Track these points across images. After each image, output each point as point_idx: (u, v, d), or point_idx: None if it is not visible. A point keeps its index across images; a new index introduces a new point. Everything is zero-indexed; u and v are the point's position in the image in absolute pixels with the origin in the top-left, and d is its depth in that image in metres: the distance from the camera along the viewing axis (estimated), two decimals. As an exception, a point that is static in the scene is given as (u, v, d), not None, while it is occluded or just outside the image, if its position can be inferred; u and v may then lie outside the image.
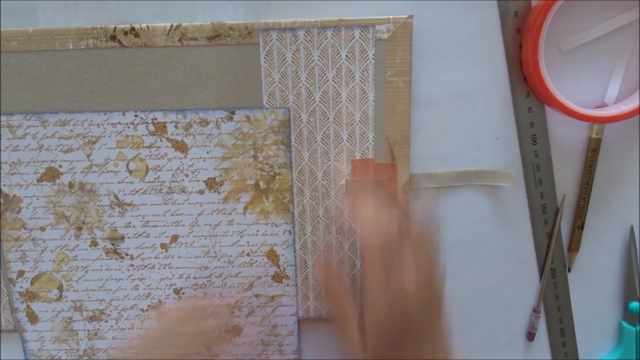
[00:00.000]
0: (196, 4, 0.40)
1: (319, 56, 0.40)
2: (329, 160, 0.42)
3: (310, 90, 0.41)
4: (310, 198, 0.43)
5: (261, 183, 0.42)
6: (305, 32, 0.40)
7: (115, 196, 0.42)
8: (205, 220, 0.43)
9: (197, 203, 0.43)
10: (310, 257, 0.44)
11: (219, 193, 0.42)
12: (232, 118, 0.41)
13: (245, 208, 0.43)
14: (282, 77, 0.41)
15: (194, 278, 0.44)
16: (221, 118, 0.41)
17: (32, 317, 0.45)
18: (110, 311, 0.45)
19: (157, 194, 0.42)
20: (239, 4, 0.40)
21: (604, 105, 0.42)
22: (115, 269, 0.44)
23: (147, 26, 0.40)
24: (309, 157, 0.42)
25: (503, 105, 0.42)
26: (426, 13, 0.40)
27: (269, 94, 0.41)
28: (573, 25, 0.41)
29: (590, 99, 0.42)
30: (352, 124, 0.42)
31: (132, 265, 0.44)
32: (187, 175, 0.42)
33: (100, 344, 0.46)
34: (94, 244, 0.43)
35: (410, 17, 0.39)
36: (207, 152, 0.42)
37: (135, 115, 0.41)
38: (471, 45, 0.41)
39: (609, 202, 0.45)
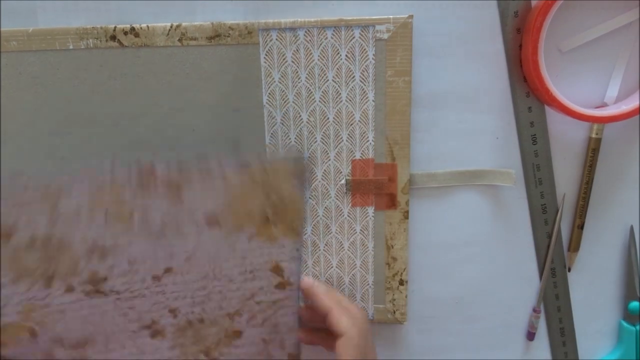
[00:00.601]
0: (196, 4, 0.40)
1: (319, 56, 0.40)
2: (329, 160, 0.42)
3: (310, 90, 0.41)
4: (310, 198, 0.43)
5: (270, 215, 0.38)
6: (305, 32, 0.40)
7: (94, 242, 0.37)
8: (204, 252, 0.39)
9: (195, 239, 0.39)
10: (310, 256, 0.44)
11: (220, 228, 0.38)
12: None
13: (250, 237, 0.39)
14: (282, 77, 0.41)
15: (191, 297, 0.40)
16: (225, 163, 0.37)
17: None
18: (97, 337, 0.40)
19: (146, 236, 0.38)
20: (239, 4, 0.40)
21: (604, 105, 0.42)
22: (99, 305, 0.39)
23: (147, 26, 0.40)
24: (309, 157, 0.42)
25: (503, 105, 0.42)
26: (426, 13, 0.40)
27: (269, 93, 0.41)
28: (573, 25, 0.41)
29: (590, 99, 0.42)
30: (352, 124, 0.42)
31: (119, 298, 0.39)
32: (182, 215, 0.38)
33: None
34: (70, 289, 0.38)
35: (410, 17, 0.39)
36: (207, 194, 0.38)
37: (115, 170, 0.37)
38: (471, 45, 0.41)
39: (609, 202, 0.45)
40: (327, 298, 0.39)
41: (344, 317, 0.38)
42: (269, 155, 0.39)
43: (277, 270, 0.40)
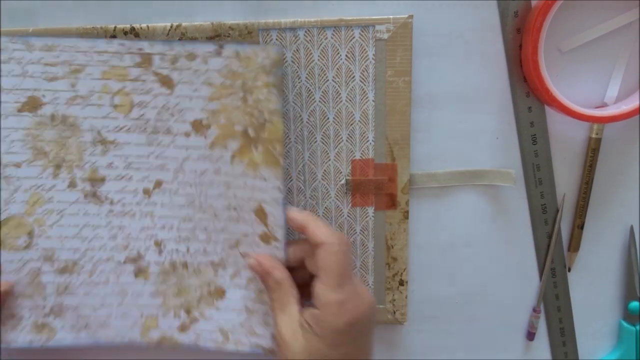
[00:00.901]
0: (196, 4, 0.40)
1: (319, 56, 0.40)
2: (329, 160, 0.42)
3: (310, 90, 0.41)
4: (310, 198, 0.43)
5: (250, 130, 0.39)
6: (305, 32, 0.40)
7: (99, 132, 0.40)
8: (191, 167, 0.40)
9: (183, 147, 0.40)
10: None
11: (205, 137, 0.39)
12: (220, 53, 0.38)
13: (233, 157, 0.39)
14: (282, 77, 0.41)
15: (177, 230, 0.41)
16: (209, 52, 0.38)
17: None
18: (85, 262, 0.41)
19: (141, 132, 0.40)
20: (239, 4, 0.40)
21: (604, 105, 0.42)
22: (93, 214, 0.41)
23: (147, 26, 0.40)
24: (309, 157, 0.42)
25: (503, 105, 0.42)
26: (426, 13, 0.40)
27: (269, 94, 0.41)
28: (573, 25, 0.41)
29: (590, 99, 0.42)
30: (352, 124, 0.42)
31: (111, 211, 0.41)
32: (172, 115, 0.39)
33: (69, 300, 0.41)
34: (73, 184, 0.40)
35: (410, 17, 0.39)
36: (194, 90, 0.39)
37: (121, 45, 0.38)
38: (471, 45, 0.41)
39: (609, 202, 0.45)
40: (302, 214, 0.39)
41: (324, 227, 0.37)
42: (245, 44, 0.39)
43: (260, 214, 0.40)
